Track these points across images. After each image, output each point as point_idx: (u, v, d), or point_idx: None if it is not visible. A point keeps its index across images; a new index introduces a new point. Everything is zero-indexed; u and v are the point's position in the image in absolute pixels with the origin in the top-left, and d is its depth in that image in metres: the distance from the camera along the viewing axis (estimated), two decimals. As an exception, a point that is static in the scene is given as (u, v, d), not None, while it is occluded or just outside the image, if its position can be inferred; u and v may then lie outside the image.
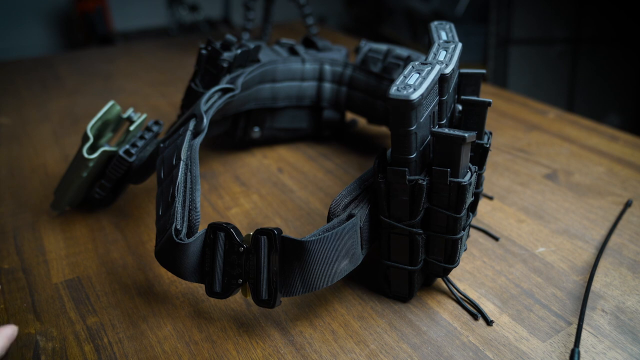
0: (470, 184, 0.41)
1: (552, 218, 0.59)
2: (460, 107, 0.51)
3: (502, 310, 0.46)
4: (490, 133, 0.51)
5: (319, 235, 0.41)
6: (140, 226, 0.60)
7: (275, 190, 0.67)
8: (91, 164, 0.58)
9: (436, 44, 0.49)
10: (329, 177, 0.69)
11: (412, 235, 0.43)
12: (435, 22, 0.55)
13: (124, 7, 2.80)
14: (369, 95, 0.72)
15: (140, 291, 0.50)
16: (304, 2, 1.17)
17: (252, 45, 0.67)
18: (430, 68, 0.42)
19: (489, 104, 0.46)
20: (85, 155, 0.57)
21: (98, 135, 0.60)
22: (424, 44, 2.39)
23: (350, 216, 0.43)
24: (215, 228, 0.43)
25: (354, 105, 0.74)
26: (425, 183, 0.41)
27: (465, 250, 0.49)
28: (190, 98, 0.66)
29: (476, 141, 0.48)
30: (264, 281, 0.42)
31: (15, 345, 0.44)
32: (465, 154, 0.41)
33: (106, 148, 0.58)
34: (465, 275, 0.51)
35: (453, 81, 0.48)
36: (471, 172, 0.42)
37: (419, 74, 0.41)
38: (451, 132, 0.39)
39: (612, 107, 2.05)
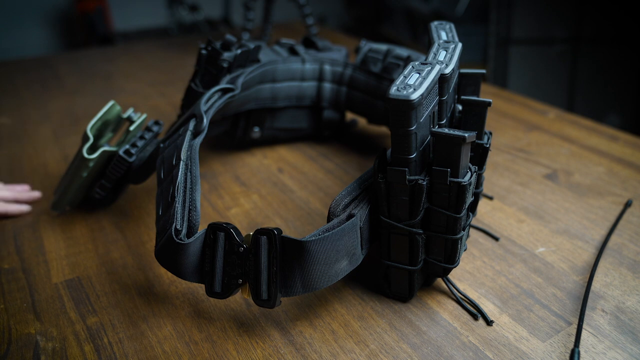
0: (470, 184, 0.41)
1: (552, 218, 0.59)
2: (460, 107, 0.51)
3: (502, 310, 0.46)
4: (490, 133, 0.51)
5: (319, 235, 0.41)
6: (140, 226, 0.60)
7: (275, 190, 0.67)
8: (91, 164, 0.58)
9: (436, 44, 0.49)
10: (329, 177, 0.69)
11: (412, 235, 0.43)
12: (435, 22, 0.55)
13: (124, 7, 2.80)
14: (369, 95, 0.72)
15: (140, 291, 0.50)
16: (304, 2, 1.17)
17: (252, 45, 0.67)
18: (430, 68, 0.42)
19: (489, 104, 0.46)
20: (85, 155, 0.57)
21: (98, 135, 0.60)
22: (424, 44, 2.39)
23: (350, 216, 0.43)
24: (215, 228, 0.43)
25: (354, 105, 0.74)
26: (425, 183, 0.41)
27: (465, 250, 0.49)
28: (190, 98, 0.66)
29: (476, 141, 0.48)
30: (264, 281, 0.42)
31: (15, 345, 0.44)
32: (465, 154, 0.41)
33: (106, 148, 0.58)
34: (465, 275, 0.51)
35: (453, 81, 0.48)
36: (471, 172, 0.42)
37: (419, 74, 0.41)
38: (451, 132, 0.39)
39: (612, 107, 2.05)
